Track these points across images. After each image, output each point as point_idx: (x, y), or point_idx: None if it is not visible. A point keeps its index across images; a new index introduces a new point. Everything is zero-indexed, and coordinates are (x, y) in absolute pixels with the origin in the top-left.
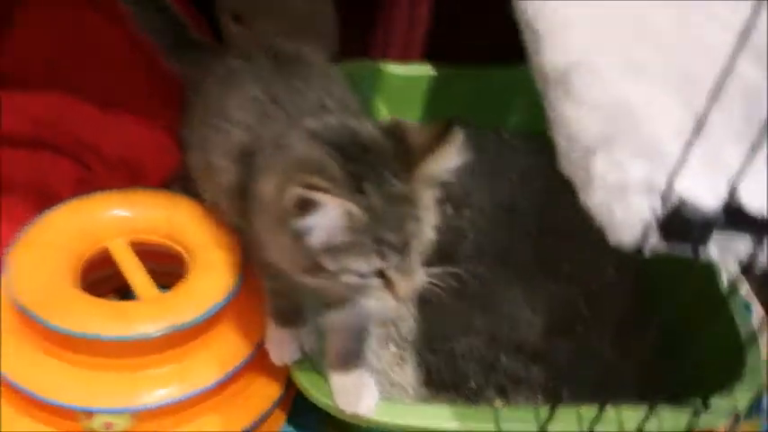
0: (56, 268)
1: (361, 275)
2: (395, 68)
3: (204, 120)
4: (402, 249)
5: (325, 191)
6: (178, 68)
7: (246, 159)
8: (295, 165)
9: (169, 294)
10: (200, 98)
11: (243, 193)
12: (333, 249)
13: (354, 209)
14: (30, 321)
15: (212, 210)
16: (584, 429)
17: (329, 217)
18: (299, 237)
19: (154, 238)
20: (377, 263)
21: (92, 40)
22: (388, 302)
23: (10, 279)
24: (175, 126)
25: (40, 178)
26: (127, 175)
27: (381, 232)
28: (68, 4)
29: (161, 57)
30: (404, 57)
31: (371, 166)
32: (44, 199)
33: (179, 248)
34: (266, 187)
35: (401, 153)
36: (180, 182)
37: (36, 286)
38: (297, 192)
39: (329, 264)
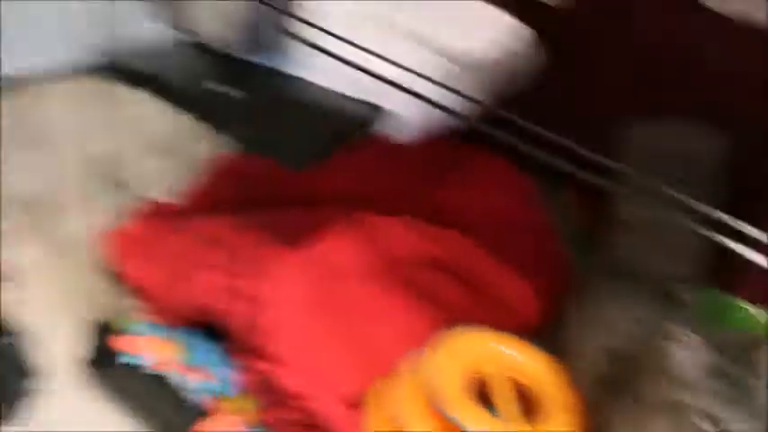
0: (458, 380)
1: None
2: (749, 308)
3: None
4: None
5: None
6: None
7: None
8: None
9: (530, 428)
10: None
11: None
12: (695, 386)
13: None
14: (439, 415)
15: (564, 372)
16: None
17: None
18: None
19: (519, 377)
20: (726, 414)
21: (505, 210)
22: None
23: (427, 379)
24: (538, 289)
25: (437, 295)
26: (495, 314)
27: (729, 391)
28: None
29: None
30: (755, 300)
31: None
32: (440, 313)
33: (535, 393)
34: None
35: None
36: (542, 339)
37: (445, 390)
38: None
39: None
